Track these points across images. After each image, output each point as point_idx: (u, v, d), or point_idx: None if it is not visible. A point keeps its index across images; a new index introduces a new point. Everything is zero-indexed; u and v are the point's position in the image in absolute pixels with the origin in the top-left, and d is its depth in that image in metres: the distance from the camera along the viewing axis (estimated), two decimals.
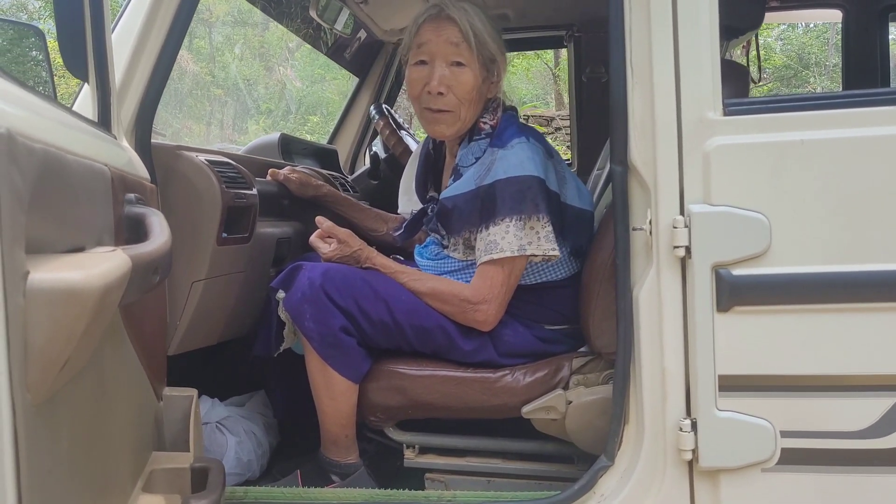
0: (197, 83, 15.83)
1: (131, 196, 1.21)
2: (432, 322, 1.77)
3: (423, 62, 1.82)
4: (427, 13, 1.83)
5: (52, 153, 0.81)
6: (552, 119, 11.74)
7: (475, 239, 1.77)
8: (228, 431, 1.95)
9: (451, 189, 1.82)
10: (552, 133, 11.72)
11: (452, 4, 1.81)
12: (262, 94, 17.07)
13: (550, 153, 1.84)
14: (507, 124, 1.84)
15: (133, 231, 1.16)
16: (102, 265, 0.79)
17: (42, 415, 0.72)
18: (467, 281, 1.83)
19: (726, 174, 1.38)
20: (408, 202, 2.07)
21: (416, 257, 2.00)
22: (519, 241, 1.70)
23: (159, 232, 1.07)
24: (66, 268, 0.74)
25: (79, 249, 0.92)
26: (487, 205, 1.72)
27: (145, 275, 0.96)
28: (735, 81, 1.61)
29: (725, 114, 1.41)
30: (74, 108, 1.51)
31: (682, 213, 1.41)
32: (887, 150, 1.33)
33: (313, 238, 1.87)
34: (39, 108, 0.93)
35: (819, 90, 16.33)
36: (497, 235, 1.70)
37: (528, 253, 1.71)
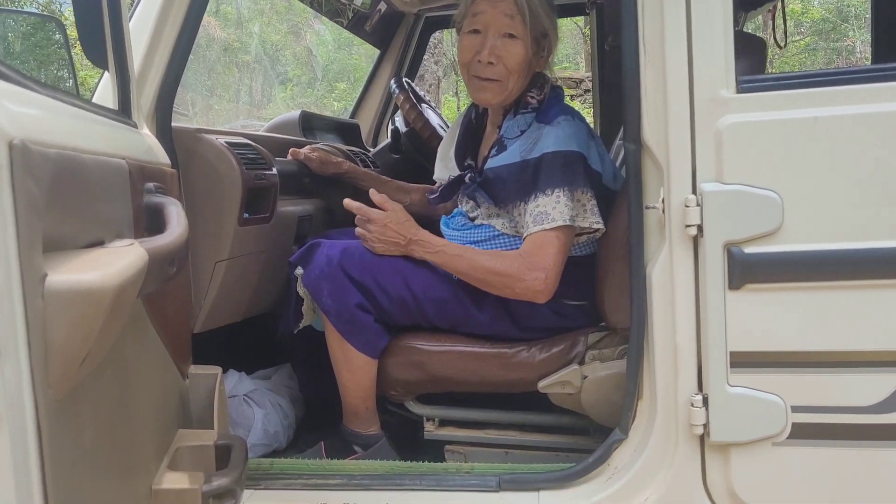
0: (225, 49, 15.85)
1: (150, 185, 1.24)
2: (448, 293, 1.81)
3: (476, 31, 1.85)
4: None
5: (68, 156, 0.84)
6: (581, 81, 11.60)
7: (521, 212, 1.79)
8: (255, 404, 2.02)
9: (496, 160, 1.85)
10: (581, 95, 11.59)
11: None
12: (290, 60, 17.06)
13: (592, 135, 1.86)
14: (554, 102, 1.87)
15: (153, 220, 1.20)
16: (119, 263, 0.83)
17: (64, 409, 0.76)
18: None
19: (739, 152, 1.38)
20: (444, 168, 2.10)
21: (443, 227, 2.03)
22: (570, 210, 1.73)
23: (176, 222, 1.11)
24: (82, 268, 0.77)
25: (98, 243, 0.97)
26: (535, 177, 1.75)
27: (162, 267, 1.00)
28: (751, 55, 1.59)
29: (739, 91, 1.40)
30: (95, 98, 1.55)
31: (693, 191, 1.41)
32: None
33: (358, 230, 1.87)
34: (55, 108, 0.96)
35: (858, 43, 15.84)
36: (548, 206, 1.73)
37: (577, 224, 1.74)
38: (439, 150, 2.17)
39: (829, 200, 1.35)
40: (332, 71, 16.56)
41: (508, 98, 1.88)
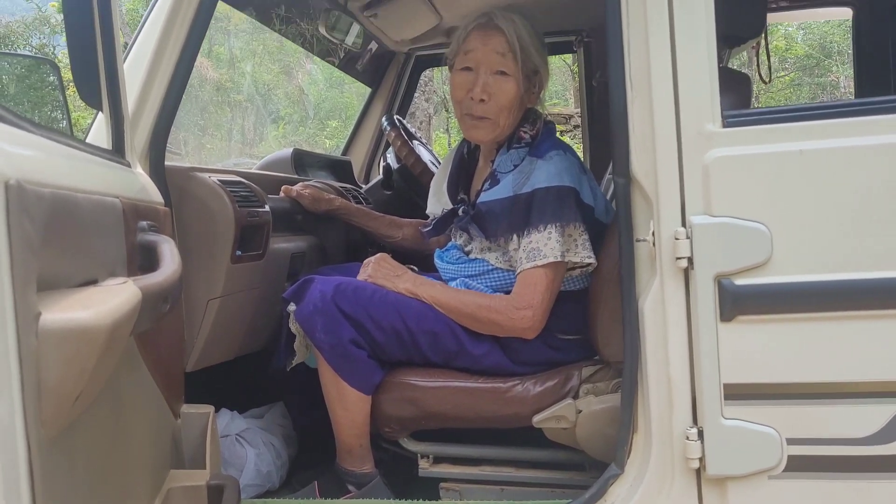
0: (217, 89, 15.99)
1: (144, 224, 1.25)
2: (442, 326, 1.81)
3: (468, 68, 1.88)
4: (476, 21, 1.89)
5: (62, 195, 0.85)
6: (570, 117, 11.72)
7: (515, 246, 1.81)
8: (248, 443, 2.00)
9: (489, 194, 1.87)
10: (571, 131, 11.70)
11: (502, 15, 1.86)
12: (282, 98, 17.21)
13: (584, 169, 1.89)
14: (546, 137, 1.90)
15: (146, 258, 1.20)
16: (111, 301, 0.83)
17: (57, 448, 0.76)
18: (488, 285, 1.88)
19: (726, 185, 1.40)
20: (436, 203, 2.12)
21: (437, 261, 2.05)
22: (561, 246, 1.74)
23: (170, 260, 1.12)
24: (76, 307, 0.78)
25: (92, 281, 0.97)
26: (527, 212, 1.77)
27: (156, 305, 1.00)
28: (736, 90, 1.62)
29: (724, 125, 1.42)
30: (89, 137, 1.56)
31: (683, 224, 1.42)
32: (883, 159, 1.34)
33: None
34: (51, 148, 0.97)
35: (843, 78, 16.10)
36: (540, 242, 1.75)
37: (568, 259, 1.76)
38: (432, 184, 2.20)
39: (816, 232, 1.37)
40: (323, 109, 16.71)
41: (501, 134, 1.91)
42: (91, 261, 0.97)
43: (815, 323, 1.38)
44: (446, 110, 14.72)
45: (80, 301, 0.81)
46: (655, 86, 1.44)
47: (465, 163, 2.11)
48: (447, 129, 15.27)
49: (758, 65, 2.71)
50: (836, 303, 1.37)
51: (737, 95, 1.60)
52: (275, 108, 17.12)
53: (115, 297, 0.86)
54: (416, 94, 3.71)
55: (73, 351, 0.74)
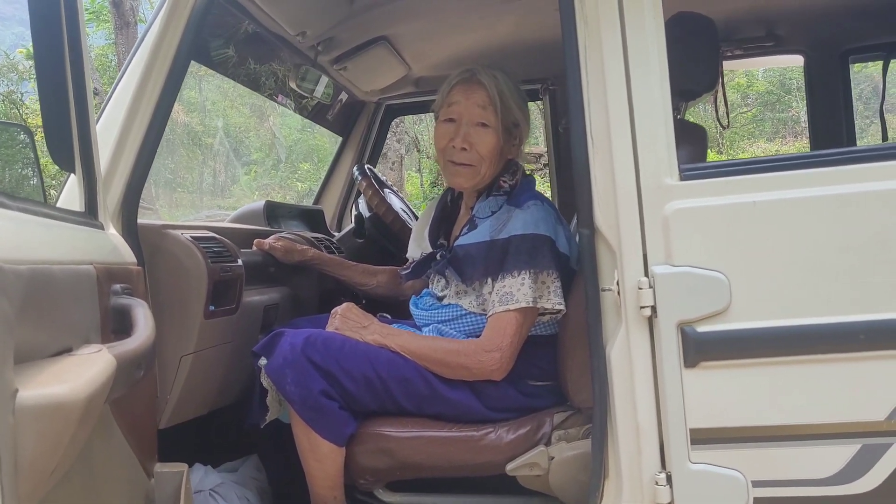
0: (189, 133, 15.98)
1: (117, 287, 1.27)
2: (413, 372, 1.84)
3: (451, 119, 1.97)
4: (460, 76, 1.99)
5: (39, 269, 0.87)
6: (541, 155, 11.87)
7: (489, 290, 1.85)
8: (222, 498, 1.98)
9: (467, 237, 1.95)
10: (542, 169, 11.85)
11: (484, 71, 1.96)
12: (254, 142, 17.24)
13: (560, 220, 1.95)
14: (525, 188, 1.98)
15: (119, 321, 1.22)
16: (87, 373, 0.85)
17: None
18: (461, 330, 1.92)
19: (685, 236, 1.45)
20: (417, 247, 2.19)
21: (412, 307, 2.10)
22: (533, 292, 1.79)
23: (143, 325, 1.13)
24: (51, 382, 0.79)
25: (66, 349, 0.98)
26: (503, 257, 1.83)
27: (130, 371, 1.02)
28: (693, 143, 1.69)
29: (682, 178, 1.48)
30: (62, 199, 1.58)
31: (646, 274, 1.47)
32: (831, 208, 1.40)
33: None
34: (25, 221, 0.99)
35: (802, 113, 16.52)
36: (513, 287, 1.80)
37: (539, 305, 1.80)
38: (414, 229, 2.27)
39: (772, 279, 1.42)
40: (295, 151, 16.77)
41: (481, 182, 1.98)
42: (65, 329, 0.98)
43: (774, 367, 1.43)
44: (417, 150, 14.86)
45: (55, 375, 0.83)
46: (615, 140, 1.49)
47: (447, 210, 2.18)
48: (419, 170, 15.39)
49: (716, 109, 2.81)
50: (793, 347, 1.42)
51: (693, 147, 1.67)
52: (246, 152, 17.14)
53: (91, 367, 0.88)
54: (388, 135, 3.76)
55: (49, 426, 0.75)
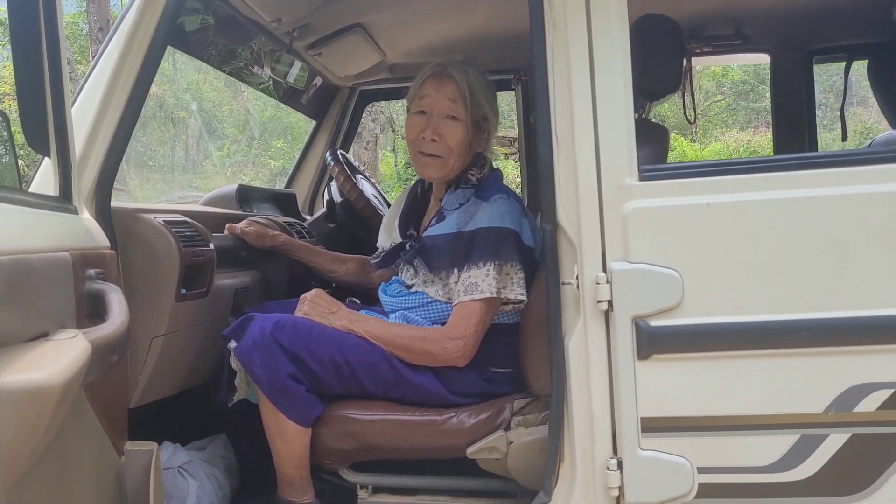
0: (161, 106, 15.77)
1: (92, 272, 1.30)
2: (380, 356, 1.89)
3: (422, 112, 2.02)
4: (432, 70, 2.04)
5: (18, 260, 0.91)
6: (515, 139, 11.93)
7: (454, 279, 1.91)
8: (190, 476, 2.03)
9: (435, 229, 2.00)
10: (515, 153, 11.90)
11: (455, 65, 2.02)
12: (228, 118, 17.06)
13: (525, 213, 2.01)
14: (492, 181, 2.04)
15: (93, 306, 1.25)
16: (64, 359, 0.89)
17: (9, 500, 0.81)
18: (426, 317, 1.98)
19: (643, 234, 1.52)
20: (387, 237, 2.24)
21: (380, 293, 2.15)
22: (497, 283, 1.86)
23: (117, 311, 1.17)
24: (29, 367, 0.83)
25: (43, 334, 1.02)
26: (469, 249, 1.89)
27: (105, 356, 1.06)
28: (654, 143, 1.75)
29: (641, 179, 1.54)
30: (35, 183, 1.60)
31: (604, 269, 1.54)
32: (780, 212, 1.48)
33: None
34: (3, 210, 1.03)
35: None
36: (478, 278, 1.86)
37: (503, 296, 1.87)
38: (384, 219, 2.31)
39: (722, 277, 1.49)
40: (269, 129, 16.63)
41: (450, 174, 2.04)
42: (43, 315, 1.02)
43: (722, 361, 1.51)
44: (392, 130, 14.83)
45: (33, 361, 0.87)
46: (578, 142, 1.55)
47: (417, 201, 2.24)
48: (394, 149, 15.36)
49: (684, 105, 2.88)
50: (740, 342, 1.50)
51: (654, 148, 1.73)
52: (220, 127, 16.96)
53: (67, 353, 0.92)
54: (363, 115, 3.78)
55: (27, 411, 0.80)
